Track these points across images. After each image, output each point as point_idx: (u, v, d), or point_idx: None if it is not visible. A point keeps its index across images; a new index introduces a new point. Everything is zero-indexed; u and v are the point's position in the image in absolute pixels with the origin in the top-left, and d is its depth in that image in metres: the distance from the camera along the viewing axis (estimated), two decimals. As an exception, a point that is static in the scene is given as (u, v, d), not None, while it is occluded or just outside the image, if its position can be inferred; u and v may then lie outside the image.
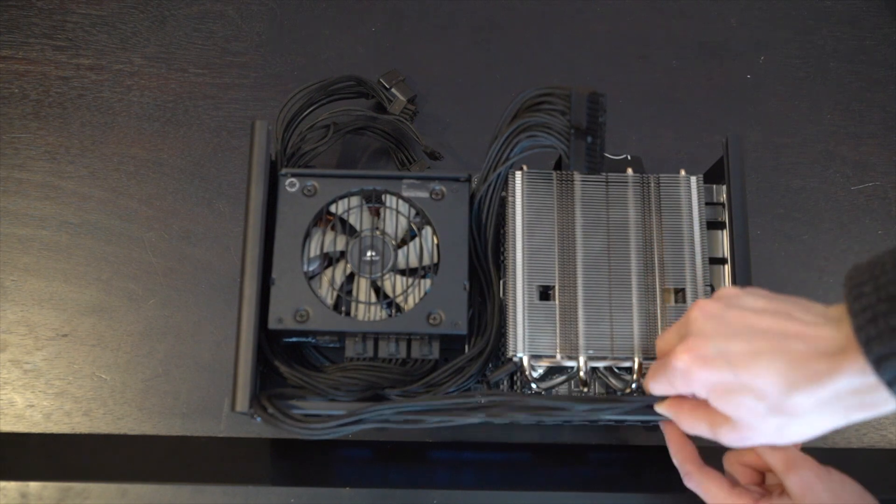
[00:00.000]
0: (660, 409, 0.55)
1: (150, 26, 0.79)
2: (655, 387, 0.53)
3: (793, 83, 0.80)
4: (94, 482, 0.62)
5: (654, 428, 0.62)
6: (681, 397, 0.53)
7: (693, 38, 0.81)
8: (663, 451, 0.60)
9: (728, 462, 0.57)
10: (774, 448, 0.53)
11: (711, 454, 0.57)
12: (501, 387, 0.61)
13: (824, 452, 0.56)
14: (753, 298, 0.50)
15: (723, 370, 0.47)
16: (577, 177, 0.62)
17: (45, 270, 0.71)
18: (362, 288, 0.61)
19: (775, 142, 0.78)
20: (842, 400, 0.44)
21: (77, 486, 0.62)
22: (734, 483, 0.55)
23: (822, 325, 0.45)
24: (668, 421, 0.58)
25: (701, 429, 0.51)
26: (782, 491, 0.53)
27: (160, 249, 0.72)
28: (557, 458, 0.68)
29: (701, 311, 0.50)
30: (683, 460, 0.57)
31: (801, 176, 0.77)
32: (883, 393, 0.42)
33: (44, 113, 0.76)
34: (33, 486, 0.62)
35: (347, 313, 0.60)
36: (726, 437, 0.50)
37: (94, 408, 0.68)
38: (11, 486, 0.61)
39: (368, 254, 0.62)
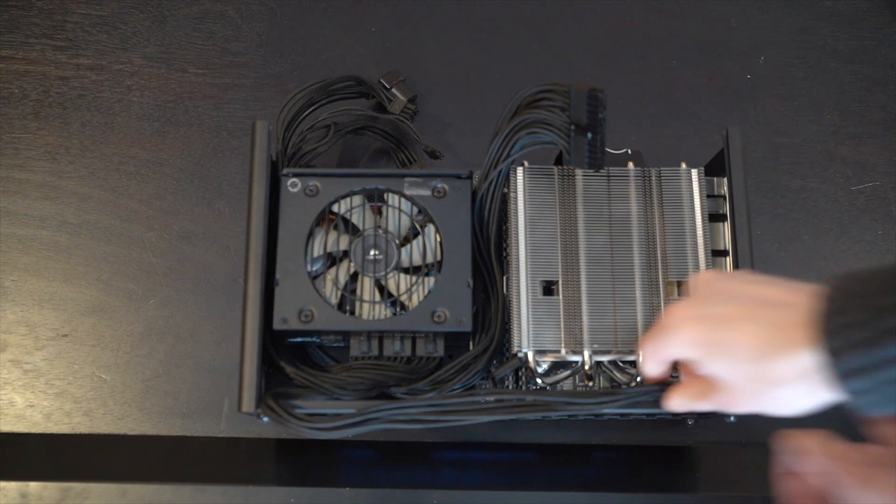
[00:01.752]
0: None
1: (150, 26, 0.79)
2: (647, 349, 0.54)
3: (793, 83, 0.80)
4: (94, 482, 0.62)
5: (656, 424, 0.62)
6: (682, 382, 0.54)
7: (693, 38, 0.81)
8: (664, 451, 0.59)
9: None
10: None
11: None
12: (507, 383, 0.61)
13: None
14: (740, 275, 0.53)
15: (706, 328, 0.49)
16: (579, 172, 0.62)
17: (45, 270, 0.71)
18: (366, 287, 0.61)
19: (775, 142, 0.78)
20: (821, 371, 0.43)
21: (77, 486, 0.61)
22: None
23: (805, 294, 0.45)
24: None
25: (696, 396, 0.52)
26: None
27: (160, 249, 0.72)
28: (560, 458, 0.68)
29: (698, 280, 0.53)
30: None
31: (801, 176, 0.77)
32: None
33: (44, 113, 0.76)
34: (33, 486, 0.61)
35: (352, 312, 0.60)
36: (718, 401, 0.50)
37: (94, 408, 0.68)
38: (11, 486, 0.61)
39: (372, 253, 0.62)
